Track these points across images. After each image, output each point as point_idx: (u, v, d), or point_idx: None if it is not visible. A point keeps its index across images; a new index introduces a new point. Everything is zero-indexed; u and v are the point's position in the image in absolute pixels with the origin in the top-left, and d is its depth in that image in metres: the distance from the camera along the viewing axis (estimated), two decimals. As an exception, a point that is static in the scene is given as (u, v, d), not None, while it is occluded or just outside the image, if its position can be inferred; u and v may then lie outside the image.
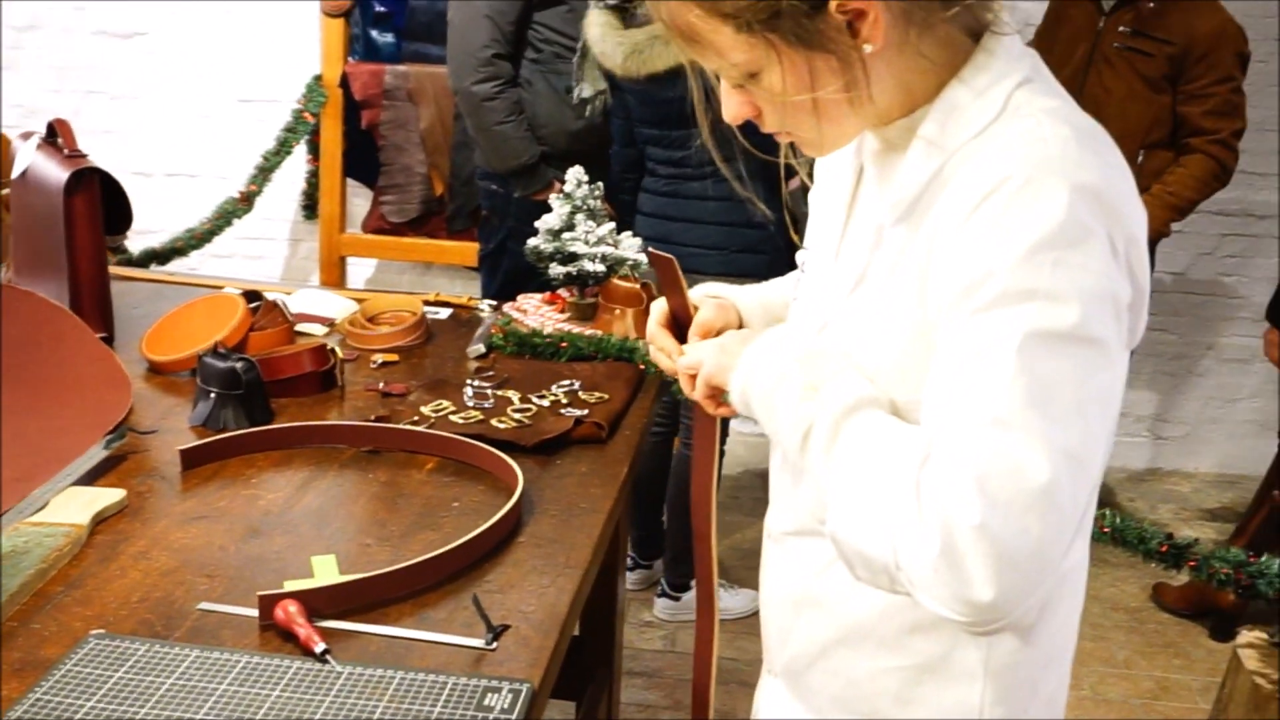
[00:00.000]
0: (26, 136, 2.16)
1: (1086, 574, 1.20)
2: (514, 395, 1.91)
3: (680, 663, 3.06)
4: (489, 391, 1.92)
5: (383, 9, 4.11)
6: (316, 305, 2.29)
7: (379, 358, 2.07)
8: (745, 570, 3.39)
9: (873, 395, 1.01)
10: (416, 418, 1.80)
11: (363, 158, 4.16)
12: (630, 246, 2.33)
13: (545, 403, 1.89)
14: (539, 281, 2.39)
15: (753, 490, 4.05)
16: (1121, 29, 3.25)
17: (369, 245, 4.25)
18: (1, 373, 1.66)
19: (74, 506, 1.45)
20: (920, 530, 0.89)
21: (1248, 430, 4.36)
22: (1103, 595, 3.50)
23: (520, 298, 2.42)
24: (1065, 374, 0.90)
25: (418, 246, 4.19)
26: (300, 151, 4.20)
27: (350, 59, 4.09)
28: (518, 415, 1.82)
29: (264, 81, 4.28)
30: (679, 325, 1.29)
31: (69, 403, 1.71)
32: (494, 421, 1.80)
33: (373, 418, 1.79)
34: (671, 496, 3.17)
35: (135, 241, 3.86)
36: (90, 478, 1.56)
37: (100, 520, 1.45)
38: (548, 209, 2.35)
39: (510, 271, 3.30)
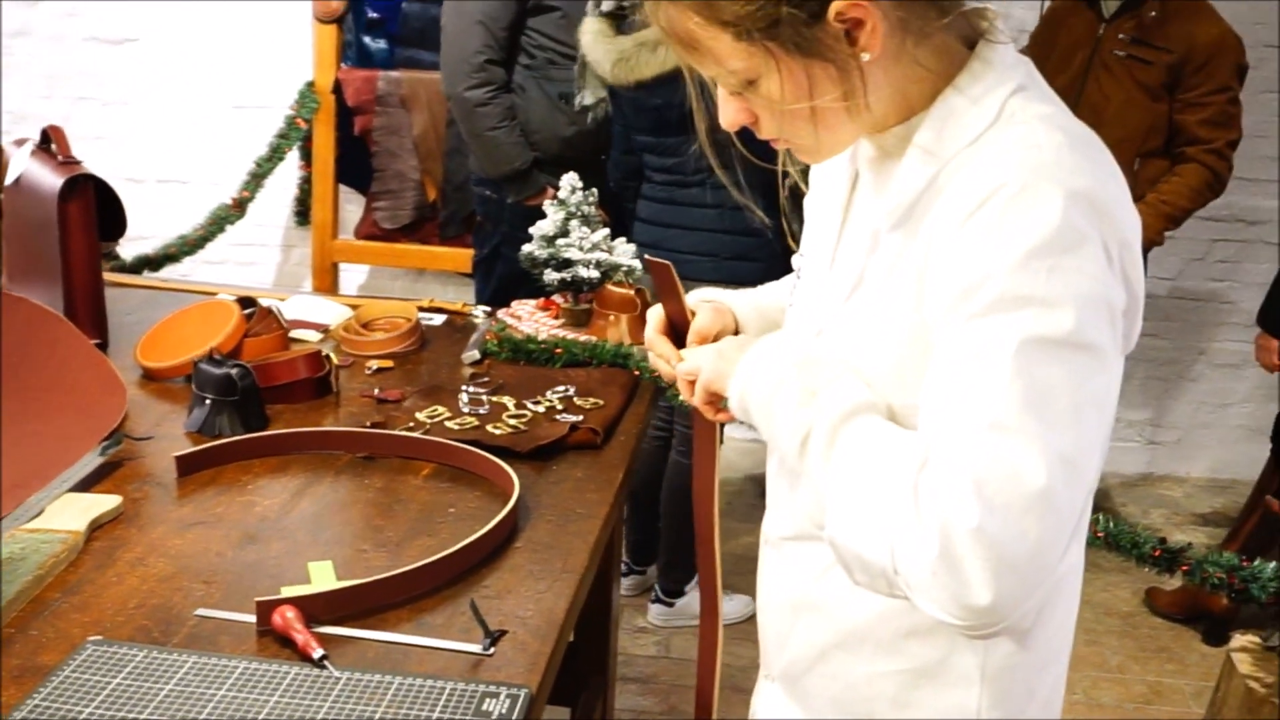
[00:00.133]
0: (20, 143, 2.16)
1: (1082, 577, 1.21)
2: (509, 401, 1.91)
3: (675, 668, 3.06)
4: (484, 397, 1.92)
5: (375, 15, 4.11)
6: (311, 312, 2.29)
7: (374, 364, 2.07)
8: (739, 576, 3.39)
9: (870, 400, 1.02)
10: (412, 424, 1.80)
11: (355, 164, 4.15)
12: (624, 252, 2.33)
13: (540, 408, 1.89)
14: (533, 286, 2.40)
15: (747, 496, 4.05)
16: (1122, 36, 3.26)
17: (362, 251, 4.25)
18: (-4, 379, 1.66)
19: (70, 513, 1.45)
20: (918, 534, 0.90)
21: (1240, 435, 4.38)
22: (1095, 600, 3.50)
23: (514, 304, 2.43)
24: (1061, 379, 0.91)
25: (410, 253, 4.19)
26: (293, 157, 4.19)
27: (343, 65, 4.09)
28: (513, 421, 1.83)
29: (257, 87, 4.28)
30: (676, 331, 1.29)
31: (63, 409, 1.70)
32: (489, 427, 1.80)
33: (368, 424, 1.79)
34: (666, 503, 3.17)
35: (127, 248, 3.85)
36: (86, 484, 1.56)
37: (97, 527, 1.45)
38: (541, 214, 2.36)
39: (504, 276, 3.31)
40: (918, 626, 1.09)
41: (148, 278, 2.99)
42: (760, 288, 1.39)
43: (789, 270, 1.31)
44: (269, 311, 2.09)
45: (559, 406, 1.90)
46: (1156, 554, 1.87)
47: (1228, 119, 3.24)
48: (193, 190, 4.37)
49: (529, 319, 2.33)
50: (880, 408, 1.02)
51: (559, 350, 2.12)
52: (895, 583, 0.93)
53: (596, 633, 2.18)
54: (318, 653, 1.18)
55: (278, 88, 4.16)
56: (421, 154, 4.11)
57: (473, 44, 3.08)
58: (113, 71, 4.34)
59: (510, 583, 1.38)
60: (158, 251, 3.76)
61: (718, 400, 1.21)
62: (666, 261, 1.25)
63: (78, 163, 2.06)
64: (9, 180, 2.11)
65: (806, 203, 1.25)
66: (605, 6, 2.83)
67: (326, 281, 4.18)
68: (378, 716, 1.10)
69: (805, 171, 1.23)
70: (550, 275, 2.30)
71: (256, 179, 4.04)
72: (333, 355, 1.98)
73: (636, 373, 2.07)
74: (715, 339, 1.25)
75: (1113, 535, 1.88)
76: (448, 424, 1.81)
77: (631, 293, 2.26)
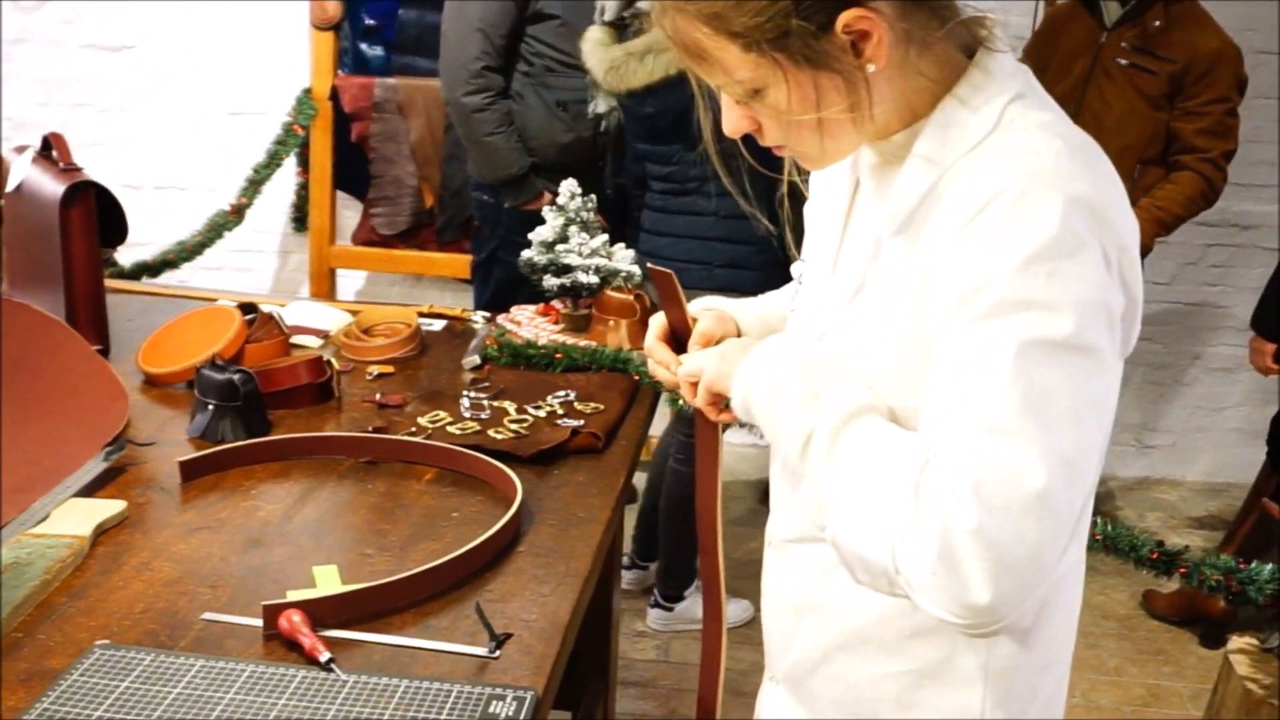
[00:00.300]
0: (21, 150, 2.16)
1: (1083, 578, 1.22)
2: (510, 406, 1.92)
3: (674, 673, 3.06)
4: (485, 402, 1.93)
5: (372, 22, 4.13)
6: (311, 318, 2.30)
7: (374, 369, 2.08)
8: (738, 580, 3.39)
9: (871, 403, 1.03)
10: (414, 429, 1.81)
11: (353, 170, 4.17)
12: (623, 258, 2.34)
13: (541, 413, 1.90)
14: (530, 290, 2.41)
15: (744, 501, 4.06)
16: (1124, 45, 3.26)
17: (359, 257, 4.26)
18: (-2, 385, 1.67)
19: (75, 518, 1.45)
20: (919, 534, 0.91)
21: (1234, 439, 4.40)
22: (1093, 603, 3.51)
23: (514, 309, 2.44)
24: (1060, 381, 0.92)
25: (408, 258, 4.21)
26: (290, 164, 4.20)
27: (340, 72, 4.10)
28: (514, 426, 1.83)
29: (254, 94, 4.29)
30: (678, 339, 1.30)
31: (66, 415, 1.71)
32: (491, 432, 1.81)
33: (370, 429, 1.80)
34: (665, 509, 3.18)
35: (125, 254, 3.85)
36: (90, 489, 1.57)
37: (101, 532, 1.45)
38: (538, 219, 2.37)
39: (501, 280, 3.34)
40: (920, 627, 1.10)
41: (147, 284, 3.00)
42: (762, 296, 1.40)
43: (782, 278, 1.32)
44: (270, 317, 2.10)
45: (560, 411, 1.91)
46: (1154, 557, 1.88)
47: (1225, 130, 3.25)
48: (190, 197, 4.38)
49: (529, 324, 2.34)
50: (881, 410, 1.03)
51: (559, 355, 2.13)
52: (896, 582, 0.94)
53: (597, 636, 2.19)
54: (325, 656, 1.19)
55: (275, 94, 4.18)
56: (418, 160, 4.12)
57: (472, 50, 3.10)
58: (110, 78, 4.35)
59: (514, 586, 1.39)
60: (156, 258, 3.77)
61: (720, 401, 1.22)
62: (669, 270, 1.26)
63: (79, 169, 2.07)
64: (10, 187, 2.12)
65: (807, 210, 1.26)
66: (608, 16, 2.85)
67: (324, 287, 4.19)
68: (386, 718, 1.11)
69: (807, 179, 1.24)
70: (550, 281, 2.31)
71: (254, 185, 4.05)
72: (334, 361, 1.98)
73: (636, 377, 2.08)
74: (718, 344, 1.25)
75: (1111, 538, 1.89)
76: (449, 429, 1.82)
77: (631, 298, 2.27)
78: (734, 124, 1.08)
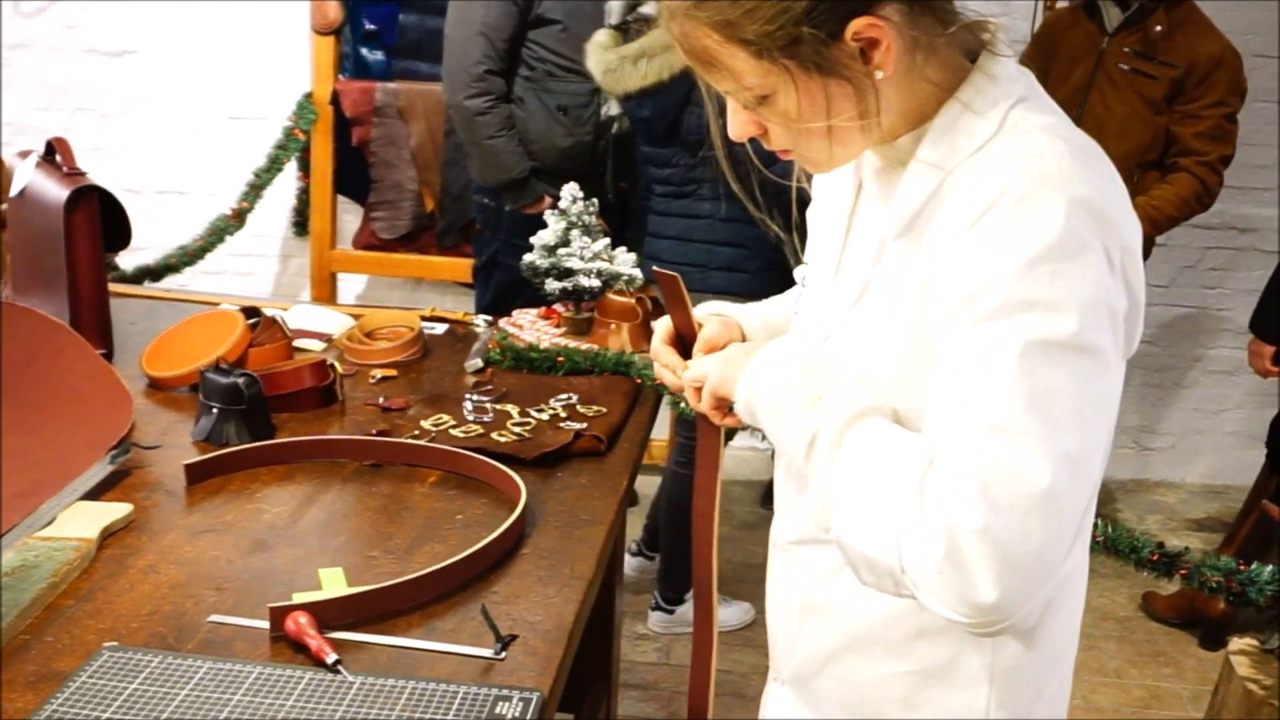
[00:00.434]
0: (25, 154, 2.17)
1: (1086, 578, 1.22)
2: (513, 409, 1.93)
3: (675, 675, 3.07)
4: (488, 405, 1.94)
5: (373, 27, 4.13)
6: (314, 321, 2.31)
7: (377, 373, 2.08)
8: (740, 583, 3.41)
9: (875, 404, 1.04)
10: (417, 432, 1.82)
11: (353, 174, 4.18)
12: (625, 262, 2.35)
13: (544, 416, 1.90)
14: (530, 292, 2.42)
15: (743, 504, 4.07)
16: (1126, 50, 3.27)
17: (360, 261, 4.27)
18: (2, 389, 1.67)
19: (81, 521, 1.46)
20: (924, 534, 0.91)
21: (1233, 441, 4.41)
22: (1093, 605, 3.52)
23: (516, 313, 2.45)
24: (1064, 381, 0.93)
25: (408, 262, 4.21)
26: (291, 168, 4.21)
27: (341, 76, 4.11)
28: (517, 429, 1.84)
29: (254, 99, 4.29)
30: (683, 343, 1.31)
31: (70, 419, 1.72)
32: (494, 435, 1.82)
33: (374, 432, 1.80)
34: (665, 512, 3.19)
35: (127, 258, 3.86)
36: (96, 493, 1.57)
37: (108, 534, 1.46)
38: (539, 222, 2.38)
39: (502, 283, 3.35)
40: (926, 628, 1.11)
41: (149, 288, 3.01)
42: (766, 301, 1.41)
43: (778, 282, 1.32)
44: (273, 321, 2.11)
45: (562, 414, 1.92)
46: (1155, 558, 1.88)
47: (1223, 134, 3.26)
48: (191, 201, 4.38)
49: (531, 328, 2.35)
50: (885, 411, 1.04)
51: (561, 359, 2.14)
52: (902, 582, 0.94)
53: (599, 639, 2.19)
54: (331, 657, 1.19)
55: (275, 99, 4.18)
56: (419, 164, 4.13)
57: (474, 54, 3.12)
58: (111, 83, 4.36)
59: (519, 588, 1.40)
60: (158, 262, 3.78)
61: (724, 405, 1.23)
62: (674, 273, 1.26)
63: (83, 174, 2.07)
64: (14, 191, 2.13)
65: (810, 213, 1.27)
66: (613, 20, 2.86)
67: (325, 291, 4.19)
68: (393, 719, 1.12)
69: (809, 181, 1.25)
70: (552, 284, 2.32)
71: (255, 190, 4.06)
72: (337, 364, 1.99)
73: (638, 380, 2.09)
74: (722, 350, 1.26)
75: (1111, 540, 1.90)
76: (453, 432, 1.82)
77: (632, 301, 2.28)
78: (740, 129, 1.09)
